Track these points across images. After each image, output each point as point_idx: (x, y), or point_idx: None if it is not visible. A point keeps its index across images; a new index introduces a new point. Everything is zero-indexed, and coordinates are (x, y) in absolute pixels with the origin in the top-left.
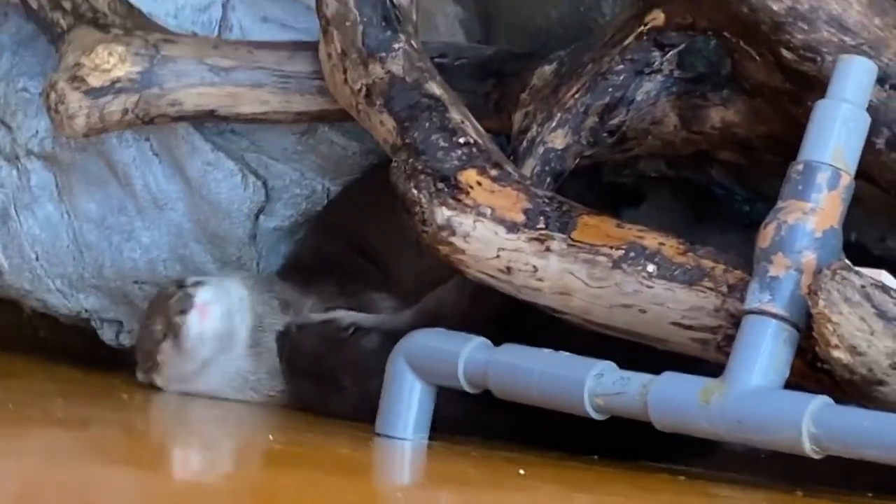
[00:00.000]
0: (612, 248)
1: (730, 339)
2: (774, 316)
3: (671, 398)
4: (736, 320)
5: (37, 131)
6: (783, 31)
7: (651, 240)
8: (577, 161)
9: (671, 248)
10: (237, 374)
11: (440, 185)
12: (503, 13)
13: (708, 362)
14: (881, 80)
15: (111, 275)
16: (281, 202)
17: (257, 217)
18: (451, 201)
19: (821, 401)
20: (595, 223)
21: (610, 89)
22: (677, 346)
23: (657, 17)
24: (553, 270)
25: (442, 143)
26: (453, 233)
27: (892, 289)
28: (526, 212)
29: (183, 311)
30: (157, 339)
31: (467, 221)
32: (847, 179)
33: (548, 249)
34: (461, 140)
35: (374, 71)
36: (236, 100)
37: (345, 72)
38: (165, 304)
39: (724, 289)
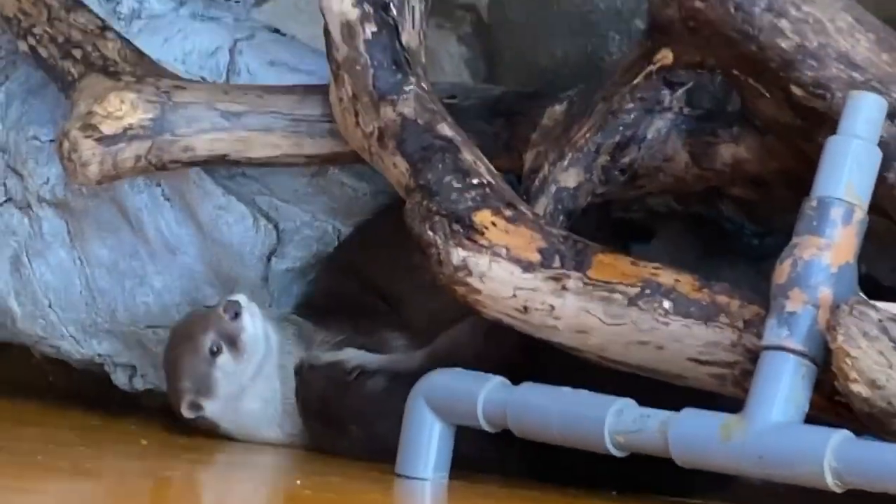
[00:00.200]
0: (627, 285)
1: (746, 373)
2: (793, 351)
3: (692, 435)
4: (752, 355)
5: (48, 179)
6: (792, 68)
7: (666, 277)
8: (589, 199)
9: (686, 284)
10: (273, 397)
11: (455, 227)
12: (508, 52)
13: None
14: (891, 115)
15: (124, 319)
16: (292, 244)
17: (269, 259)
18: (466, 242)
19: (842, 435)
20: (610, 261)
21: (621, 128)
22: (694, 382)
23: (666, 56)
24: (570, 309)
25: (455, 185)
26: (469, 273)
27: None
28: (541, 251)
29: (237, 315)
30: (211, 354)
31: (483, 262)
32: (860, 214)
33: (564, 288)
34: (475, 181)
35: (386, 114)
36: (248, 144)
37: (356, 115)
38: (209, 320)
39: (741, 324)
